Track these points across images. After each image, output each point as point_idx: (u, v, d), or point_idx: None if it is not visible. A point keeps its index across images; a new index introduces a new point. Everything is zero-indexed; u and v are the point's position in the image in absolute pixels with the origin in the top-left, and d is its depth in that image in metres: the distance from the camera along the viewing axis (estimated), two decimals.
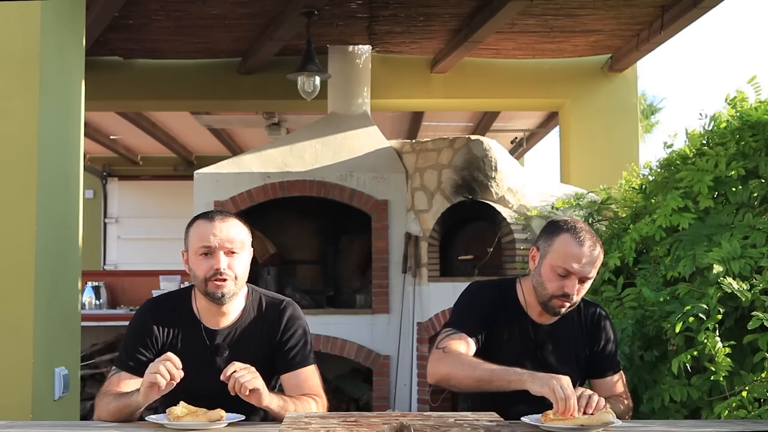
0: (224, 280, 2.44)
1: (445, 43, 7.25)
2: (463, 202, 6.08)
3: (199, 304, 2.54)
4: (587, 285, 2.56)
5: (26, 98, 3.37)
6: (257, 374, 2.29)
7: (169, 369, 2.22)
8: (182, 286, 3.10)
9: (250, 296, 2.58)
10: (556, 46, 7.36)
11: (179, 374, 2.24)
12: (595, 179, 5.89)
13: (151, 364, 2.27)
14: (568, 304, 2.55)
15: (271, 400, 2.33)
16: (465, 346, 2.55)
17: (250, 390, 2.26)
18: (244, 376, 2.26)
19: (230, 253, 2.46)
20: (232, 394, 2.25)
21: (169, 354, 2.27)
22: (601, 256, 2.56)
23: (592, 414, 2.24)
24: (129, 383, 2.44)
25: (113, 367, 2.53)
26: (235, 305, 2.54)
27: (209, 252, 2.44)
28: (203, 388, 2.37)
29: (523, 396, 2.46)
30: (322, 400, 2.54)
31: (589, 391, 2.32)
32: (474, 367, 2.45)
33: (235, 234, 2.48)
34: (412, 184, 6.54)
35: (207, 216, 2.51)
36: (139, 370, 2.42)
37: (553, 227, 2.60)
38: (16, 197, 3.35)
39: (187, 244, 2.51)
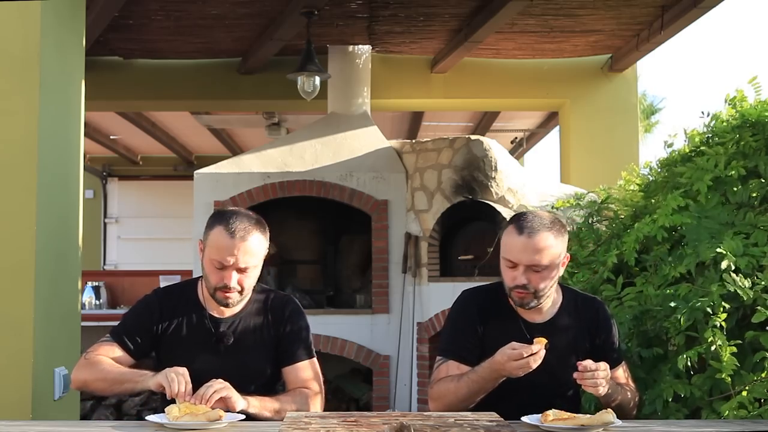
0: (231, 292, 2.51)
1: (445, 43, 7.25)
2: (463, 202, 6.08)
3: (206, 294, 2.61)
4: (545, 273, 2.52)
5: (26, 98, 3.37)
6: (226, 385, 2.35)
7: (179, 392, 2.31)
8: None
9: (257, 288, 2.65)
10: (556, 46, 7.36)
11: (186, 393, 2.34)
12: (595, 179, 5.88)
13: (170, 374, 2.34)
14: (529, 296, 2.53)
15: (249, 406, 2.38)
16: (455, 371, 2.57)
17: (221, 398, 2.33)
18: (212, 386, 2.33)
19: (243, 270, 2.50)
20: (202, 403, 2.31)
21: (188, 381, 2.34)
22: (557, 242, 2.52)
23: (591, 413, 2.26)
24: (116, 356, 2.56)
25: (108, 334, 2.63)
26: None
27: (223, 268, 2.49)
28: (206, 373, 2.42)
29: (522, 395, 2.47)
30: (314, 392, 2.59)
31: (604, 372, 2.35)
32: (455, 390, 2.50)
33: (252, 252, 2.50)
34: (412, 184, 6.54)
35: (228, 227, 2.47)
36: (128, 349, 2.58)
37: (506, 221, 2.65)
38: (16, 197, 3.35)
39: (205, 241, 2.54)
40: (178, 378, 2.32)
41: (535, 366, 2.38)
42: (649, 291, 3.09)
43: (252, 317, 2.62)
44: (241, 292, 2.53)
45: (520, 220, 2.55)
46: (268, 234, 2.57)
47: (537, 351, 2.36)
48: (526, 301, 2.56)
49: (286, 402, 2.50)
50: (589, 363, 2.36)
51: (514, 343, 2.41)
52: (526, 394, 2.47)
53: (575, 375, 2.36)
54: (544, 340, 2.39)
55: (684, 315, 2.83)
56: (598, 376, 2.35)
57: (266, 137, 9.42)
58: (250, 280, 2.54)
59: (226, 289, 2.49)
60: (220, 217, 2.53)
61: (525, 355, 2.36)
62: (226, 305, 2.55)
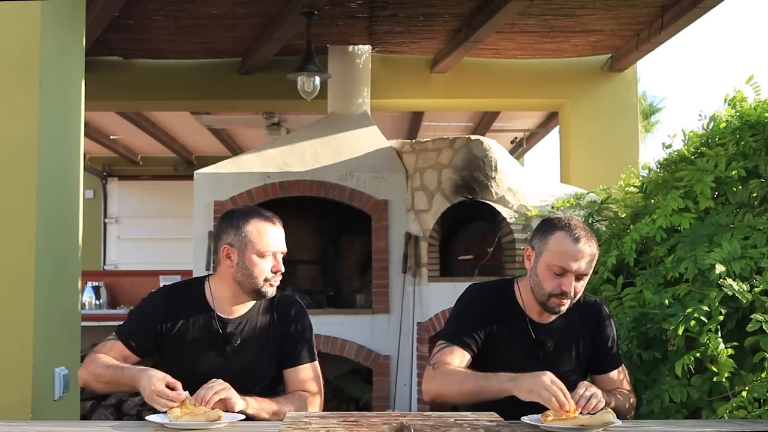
0: (278, 277, 2.60)
1: (445, 43, 7.25)
2: (463, 202, 6.08)
3: (216, 294, 2.61)
4: (584, 281, 2.55)
5: (26, 98, 3.37)
6: (226, 386, 2.35)
7: (171, 405, 2.29)
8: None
9: None
10: (556, 46, 7.36)
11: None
12: (595, 179, 5.88)
13: (159, 398, 2.29)
14: (567, 302, 2.54)
15: (247, 406, 2.38)
16: (458, 359, 2.55)
17: (221, 399, 2.32)
18: (212, 388, 2.32)
19: (284, 253, 2.63)
20: (202, 404, 2.30)
21: (171, 393, 2.31)
22: (597, 252, 2.56)
23: (591, 413, 2.25)
24: (120, 354, 2.57)
25: (114, 333, 2.63)
26: None
27: (272, 255, 2.57)
28: (211, 373, 2.43)
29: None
30: (313, 396, 2.60)
31: (590, 390, 2.32)
32: (461, 381, 2.47)
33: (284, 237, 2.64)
34: (412, 184, 6.54)
35: (266, 218, 2.60)
36: (132, 347, 2.58)
37: (548, 225, 2.59)
38: (16, 197, 3.35)
39: (241, 240, 2.55)
40: (165, 399, 2.29)
41: (553, 406, 2.25)
42: (648, 295, 3.08)
43: (258, 318, 2.63)
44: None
45: (570, 227, 2.52)
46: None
47: (564, 404, 2.23)
48: (562, 308, 2.56)
49: (285, 404, 2.50)
50: (574, 395, 2.29)
51: (549, 383, 2.27)
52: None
53: (575, 412, 2.31)
54: (573, 411, 2.24)
55: (681, 323, 2.83)
56: (588, 394, 2.31)
57: (266, 137, 9.42)
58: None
59: (277, 274, 2.58)
60: (250, 212, 2.60)
61: (553, 400, 2.23)
62: (272, 292, 2.60)
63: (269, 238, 2.56)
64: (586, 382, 2.42)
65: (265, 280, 2.56)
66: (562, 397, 2.23)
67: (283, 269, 2.59)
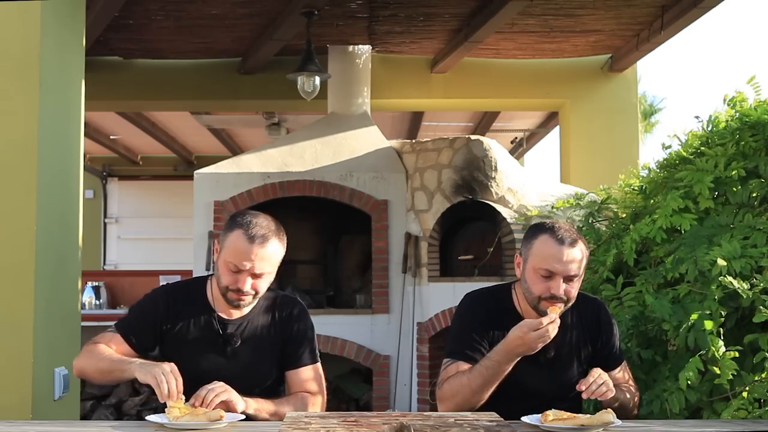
0: (244, 296, 2.49)
1: (445, 43, 7.25)
2: (463, 202, 6.08)
3: (215, 294, 2.59)
4: (576, 283, 2.52)
5: (26, 98, 3.37)
6: (227, 388, 2.34)
7: (170, 391, 2.28)
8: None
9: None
10: (556, 46, 7.36)
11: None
12: (595, 179, 5.88)
13: (158, 374, 2.29)
14: (561, 305, 2.52)
15: (247, 407, 2.37)
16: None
17: (222, 401, 2.31)
18: (213, 390, 2.32)
19: (258, 276, 2.49)
20: (202, 406, 2.29)
21: (178, 378, 2.31)
22: (586, 253, 2.54)
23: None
24: (119, 347, 2.55)
25: (114, 325, 2.61)
26: None
27: (238, 271, 2.47)
28: (212, 374, 2.42)
29: (522, 394, 2.47)
30: (314, 398, 2.57)
31: (602, 378, 2.35)
32: (469, 383, 2.48)
33: (268, 259, 2.49)
34: (412, 184, 6.54)
35: (248, 232, 2.45)
36: (131, 343, 2.56)
37: (532, 230, 2.59)
38: (16, 197, 3.35)
39: (221, 243, 2.52)
40: (167, 378, 2.28)
41: (553, 334, 2.37)
42: (648, 299, 3.08)
43: (260, 319, 2.61)
44: (254, 296, 2.51)
45: (554, 229, 2.50)
46: (285, 240, 2.57)
47: (554, 318, 2.37)
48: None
49: (285, 406, 2.48)
50: (587, 379, 2.36)
51: (526, 320, 2.42)
52: (528, 395, 2.46)
53: (584, 396, 2.35)
54: (557, 308, 2.39)
55: (684, 328, 2.82)
56: (600, 381, 2.35)
57: (266, 137, 9.42)
58: (264, 284, 2.52)
59: (240, 292, 2.47)
60: (240, 220, 2.50)
61: (544, 324, 2.36)
62: (237, 307, 2.54)
63: (237, 255, 2.45)
64: (599, 369, 2.43)
65: (229, 289, 2.49)
66: (547, 320, 2.37)
67: (246, 289, 2.46)
